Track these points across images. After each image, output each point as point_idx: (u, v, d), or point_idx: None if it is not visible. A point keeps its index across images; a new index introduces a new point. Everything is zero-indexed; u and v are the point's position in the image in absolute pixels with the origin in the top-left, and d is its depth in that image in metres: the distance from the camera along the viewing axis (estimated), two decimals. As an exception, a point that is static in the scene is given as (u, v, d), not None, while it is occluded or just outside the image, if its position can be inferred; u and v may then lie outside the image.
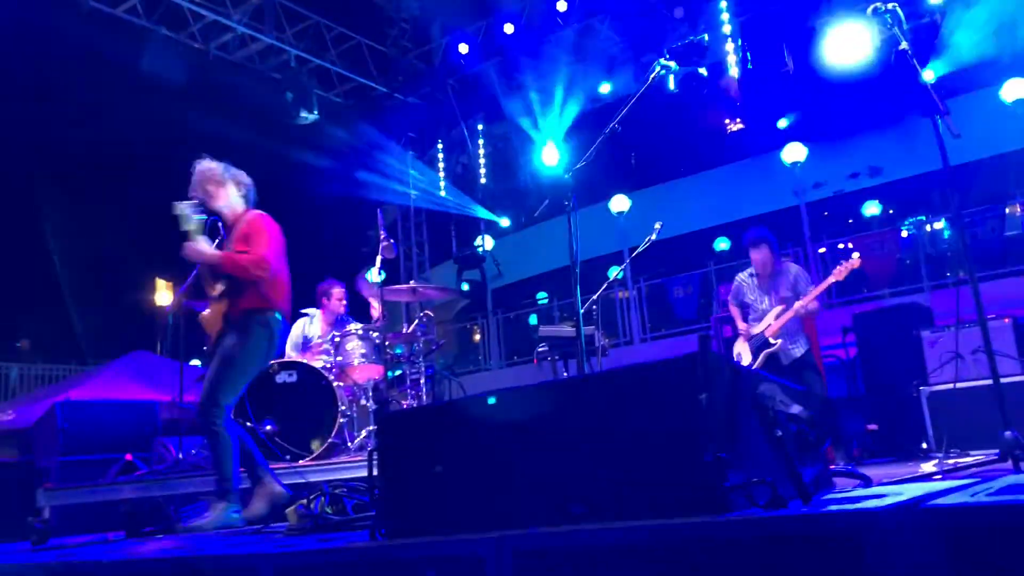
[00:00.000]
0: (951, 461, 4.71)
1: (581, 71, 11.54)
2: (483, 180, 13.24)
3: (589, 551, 1.79)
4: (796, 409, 1.94)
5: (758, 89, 10.95)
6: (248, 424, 5.40)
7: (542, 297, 15.34)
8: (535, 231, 14.16)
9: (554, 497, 2.07)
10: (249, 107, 11.12)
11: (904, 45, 3.91)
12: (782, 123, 11.09)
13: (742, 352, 6.06)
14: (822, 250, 11.66)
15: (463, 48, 11.79)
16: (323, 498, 3.21)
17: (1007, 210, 10.39)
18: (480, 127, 13.19)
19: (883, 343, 7.12)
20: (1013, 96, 10.01)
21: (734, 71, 10.57)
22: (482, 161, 13.22)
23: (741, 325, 6.12)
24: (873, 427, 6.52)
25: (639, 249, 6.79)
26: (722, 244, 14.12)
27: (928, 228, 10.89)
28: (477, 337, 14.71)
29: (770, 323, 5.85)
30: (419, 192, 13.17)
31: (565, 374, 6.63)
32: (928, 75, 3.72)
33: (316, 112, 11.03)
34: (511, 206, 14.03)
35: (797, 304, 5.74)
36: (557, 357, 6.86)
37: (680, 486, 1.92)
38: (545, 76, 11.55)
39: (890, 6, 3.91)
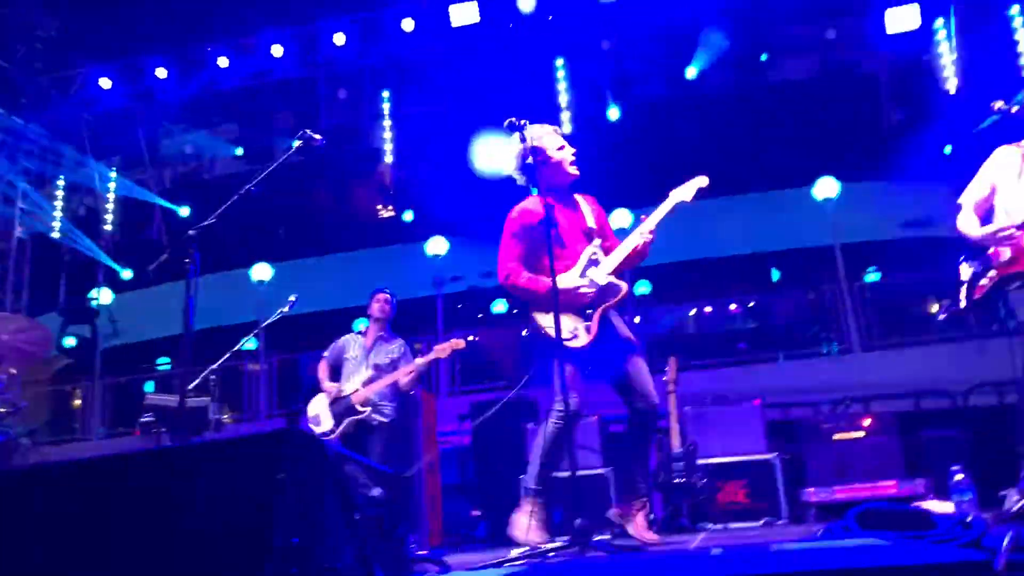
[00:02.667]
0: (545, 547, 5.07)
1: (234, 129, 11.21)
2: (109, 227, 12.01)
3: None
4: (377, 492, 1.92)
5: (411, 179, 11.45)
6: None
7: (163, 362, 14.11)
8: (165, 290, 13.11)
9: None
10: None
11: (530, 159, 4.32)
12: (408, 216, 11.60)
13: (320, 413, 5.75)
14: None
15: (105, 83, 10.80)
16: None
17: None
18: (114, 171, 12.04)
19: (495, 432, 7.59)
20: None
21: (389, 158, 10.97)
22: (110, 207, 12.01)
23: (328, 385, 5.81)
24: (477, 513, 6.83)
25: (269, 320, 6.57)
26: (361, 326, 14.23)
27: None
28: (78, 402, 13.00)
29: (358, 389, 5.68)
30: (26, 228, 11.55)
31: (169, 447, 6.06)
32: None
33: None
34: (139, 260, 12.87)
35: (395, 374, 5.66)
36: (164, 429, 6.27)
37: (249, 571, 1.78)
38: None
39: (522, 122, 4.31)
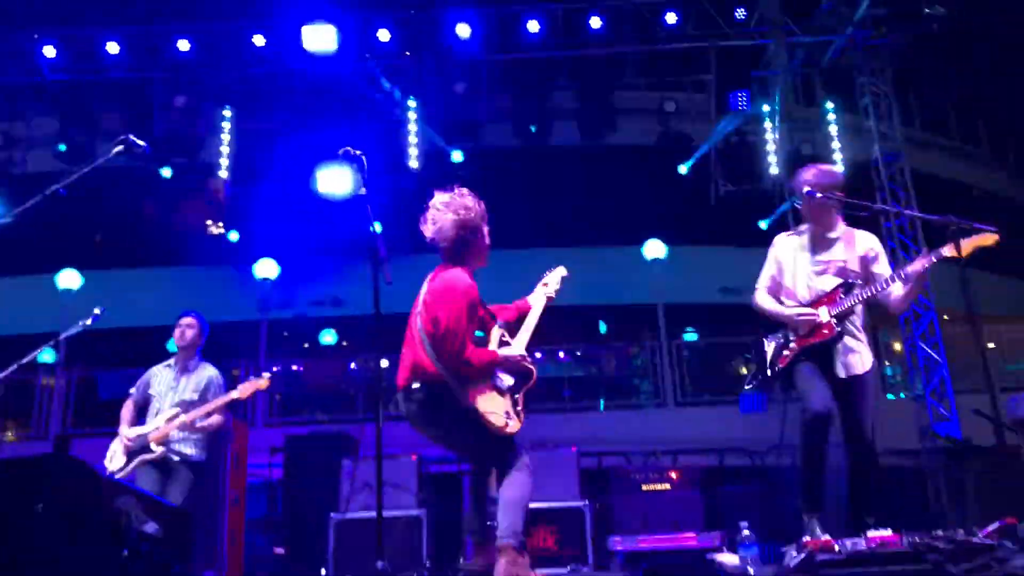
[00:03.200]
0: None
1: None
2: None
3: None
4: (151, 528, 1.77)
5: (246, 199, 11.02)
6: None
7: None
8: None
9: None
10: None
11: (363, 191, 4.25)
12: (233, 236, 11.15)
13: (115, 450, 5.22)
14: (275, 368, 11.82)
15: None
16: None
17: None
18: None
19: (308, 467, 7.32)
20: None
21: (224, 174, 10.52)
22: None
23: (124, 431, 5.20)
24: (280, 550, 6.54)
25: (69, 332, 6.06)
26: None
27: (373, 364, 11.82)
28: None
29: (159, 426, 5.17)
30: None
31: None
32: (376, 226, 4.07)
33: None
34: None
35: (193, 413, 5.15)
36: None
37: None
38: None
39: (357, 152, 4.25)
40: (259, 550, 7.13)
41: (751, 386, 4.55)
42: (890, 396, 12.08)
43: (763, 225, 11.16)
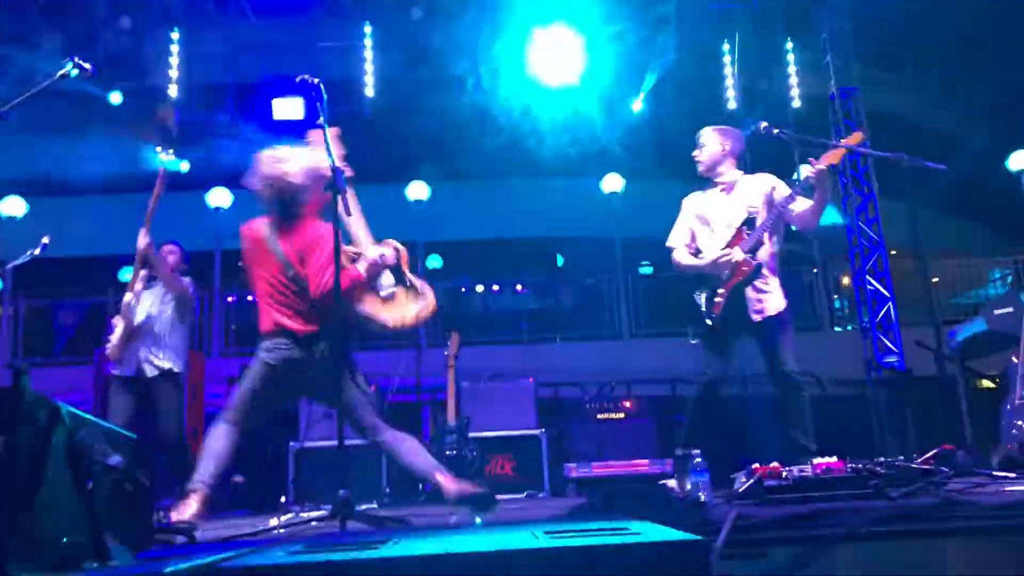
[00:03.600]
0: (306, 515, 5.00)
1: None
2: None
3: None
4: (115, 460, 1.78)
5: (196, 126, 10.70)
6: None
7: None
8: None
9: None
10: None
11: (322, 120, 4.17)
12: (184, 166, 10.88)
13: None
14: (231, 298, 11.71)
15: None
16: None
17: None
18: None
19: (266, 397, 7.33)
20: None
21: (173, 98, 10.20)
22: None
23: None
24: (239, 479, 6.59)
25: (18, 261, 5.94)
26: (128, 275, 13.18)
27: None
28: None
29: None
30: None
31: None
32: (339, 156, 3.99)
33: None
34: None
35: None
36: None
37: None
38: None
39: (315, 80, 4.16)
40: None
41: (696, 341, 4.81)
42: (837, 329, 12.43)
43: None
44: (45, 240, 5.75)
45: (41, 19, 10.04)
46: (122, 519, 1.97)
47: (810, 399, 4.65)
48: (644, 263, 13.42)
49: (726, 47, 10.91)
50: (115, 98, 9.92)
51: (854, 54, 10.36)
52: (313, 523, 3.88)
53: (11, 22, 9.89)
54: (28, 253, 5.80)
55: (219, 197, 11.35)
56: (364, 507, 5.36)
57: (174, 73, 10.11)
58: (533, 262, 13.58)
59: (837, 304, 13.02)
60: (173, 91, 10.09)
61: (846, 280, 11.93)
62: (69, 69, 3.89)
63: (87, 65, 3.94)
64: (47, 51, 9.91)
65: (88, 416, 1.85)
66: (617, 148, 10.75)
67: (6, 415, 1.58)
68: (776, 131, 4.62)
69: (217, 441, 3.86)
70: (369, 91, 10.19)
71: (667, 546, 1.54)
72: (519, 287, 13.24)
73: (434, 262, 14.05)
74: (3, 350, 10.71)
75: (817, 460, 3.81)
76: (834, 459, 3.82)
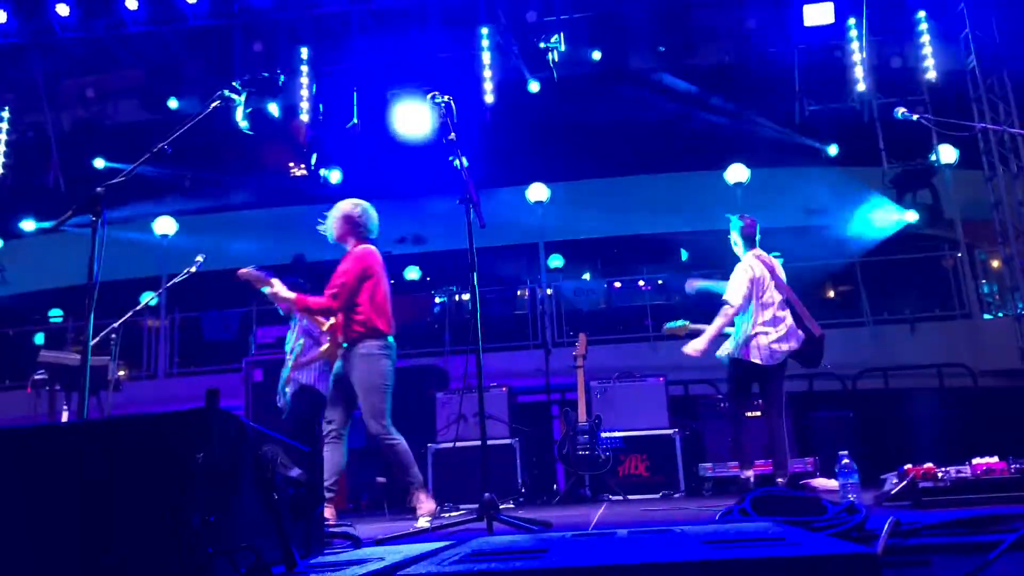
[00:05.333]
0: (449, 516, 5.18)
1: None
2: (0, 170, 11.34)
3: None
4: (296, 472, 1.92)
5: (325, 139, 11.19)
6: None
7: (56, 315, 13.49)
8: (59, 239, 12.50)
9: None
10: None
11: (452, 136, 4.30)
12: (334, 176, 11.40)
13: None
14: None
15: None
16: None
17: (519, 292, 12.05)
18: (5, 112, 11.33)
19: (403, 400, 7.59)
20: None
21: (305, 116, 10.70)
22: (1, 149, 11.30)
23: None
24: (382, 480, 6.86)
25: (177, 279, 6.39)
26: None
27: (456, 298, 12.06)
28: (-39, 354, 12.32)
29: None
30: None
31: (65, 408, 5.85)
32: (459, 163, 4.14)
33: None
34: (35, 207, 12.20)
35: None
36: (58, 387, 6.05)
37: (164, 551, 1.77)
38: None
39: (445, 98, 4.30)
40: (361, 479, 7.49)
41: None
42: (987, 316, 11.68)
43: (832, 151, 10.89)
44: (200, 258, 6.13)
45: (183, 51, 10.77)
46: (298, 526, 2.12)
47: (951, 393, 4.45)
48: (774, 253, 13.02)
49: (851, 22, 10.42)
50: (243, 125, 10.44)
51: (997, 25, 9.72)
52: (459, 525, 4.02)
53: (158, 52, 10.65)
54: (185, 271, 6.20)
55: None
56: (502, 507, 5.49)
57: (304, 92, 10.60)
58: (656, 257, 13.42)
59: (985, 289, 12.23)
60: (305, 108, 10.58)
61: (995, 263, 11.19)
62: (221, 101, 4.18)
63: (236, 96, 4.22)
64: (189, 79, 10.63)
65: (268, 432, 2.00)
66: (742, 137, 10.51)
67: (203, 433, 1.74)
68: (915, 117, 4.42)
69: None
70: (488, 97, 10.35)
71: (834, 560, 1.53)
72: (641, 283, 13.12)
73: (556, 261, 14.12)
74: (163, 360, 11.52)
75: (976, 460, 3.62)
76: (994, 459, 3.61)
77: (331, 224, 5.07)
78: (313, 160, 10.99)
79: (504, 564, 1.67)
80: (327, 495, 4.50)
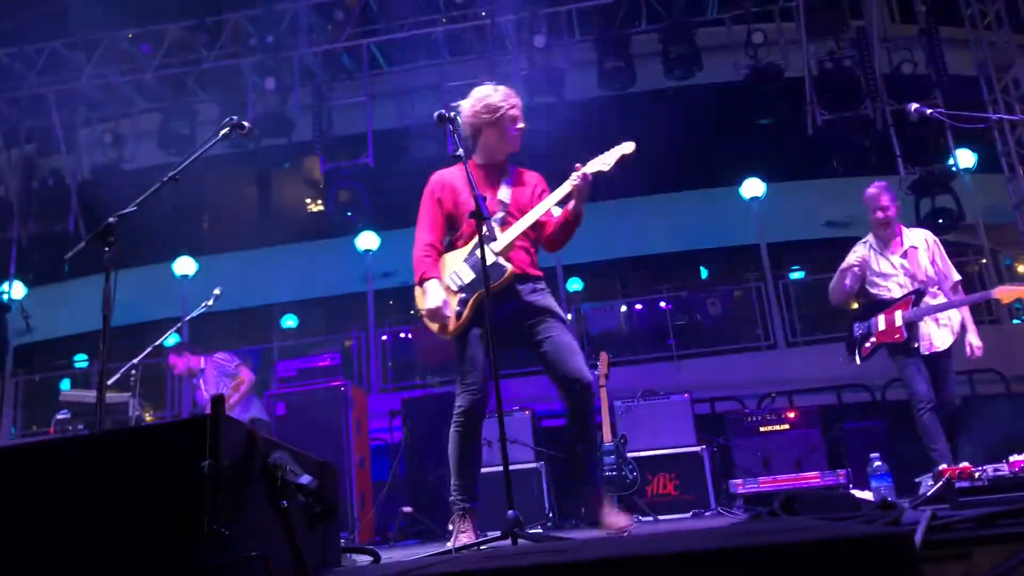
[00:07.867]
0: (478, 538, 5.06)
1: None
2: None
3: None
4: (306, 479, 1.86)
5: (342, 173, 11.27)
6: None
7: (81, 359, 13.60)
8: (80, 284, 12.64)
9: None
10: None
11: (460, 152, 4.27)
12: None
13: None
14: (384, 336, 12.15)
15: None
16: None
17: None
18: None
19: (426, 428, 7.52)
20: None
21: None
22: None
23: None
24: (408, 509, 6.77)
25: (193, 314, 6.42)
26: (289, 322, 14.02)
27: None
28: (-12, 401, 12.39)
29: None
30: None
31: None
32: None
33: None
34: (54, 252, 12.34)
35: None
36: (81, 427, 6.05)
37: (175, 561, 1.72)
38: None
39: (452, 115, 4.27)
40: (388, 509, 7.40)
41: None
42: (1015, 321, 11.47)
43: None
44: (217, 291, 6.15)
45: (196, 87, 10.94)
46: (312, 536, 2.06)
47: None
48: (794, 267, 12.92)
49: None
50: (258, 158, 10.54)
51: (1009, 25, 9.64)
52: (483, 546, 3.93)
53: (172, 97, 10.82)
54: (203, 305, 6.23)
55: (368, 240, 11.84)
56: (530, 530, 5.38)
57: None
58: (676, 275, 13.34)
59: (1015, 295, 12.01)
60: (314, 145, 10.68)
61: (1021, 268, 11.02)
62: (228, 128, 4.19)
63: (245, 123, 4.22)
64: (204, 120, 10.77)
65: (278, 440, 1.95)
66: (755, 151, 10.44)
67: (210, 441, 1.70)
68: (929, 112, 4.34)
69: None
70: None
71: (870, 542, 1.45)
72: (663, 304, 13.02)
73: (574, 285, 14.05)
74: (186, 398, 11.55)
75: (1014, 458, 3.51)
76: (1034, 457, 3.49)
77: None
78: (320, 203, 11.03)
79: (522, 560, 1.61)
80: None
